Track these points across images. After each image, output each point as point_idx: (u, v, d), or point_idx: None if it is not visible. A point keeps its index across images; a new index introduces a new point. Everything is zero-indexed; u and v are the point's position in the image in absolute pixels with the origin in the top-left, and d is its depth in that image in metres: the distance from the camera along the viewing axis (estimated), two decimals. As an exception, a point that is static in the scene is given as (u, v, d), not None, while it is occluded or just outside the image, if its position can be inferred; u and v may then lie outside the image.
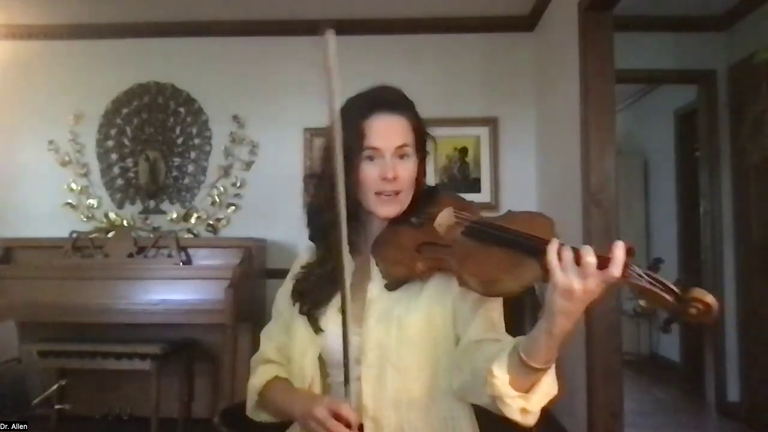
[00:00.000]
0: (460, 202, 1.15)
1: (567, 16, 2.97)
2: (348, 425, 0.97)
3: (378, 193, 1.12)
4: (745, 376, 3.60)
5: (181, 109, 3.88)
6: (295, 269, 1.24)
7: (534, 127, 3.77)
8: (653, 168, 5.41)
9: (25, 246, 3.59)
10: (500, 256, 0.93)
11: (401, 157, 1.13)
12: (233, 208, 3.83)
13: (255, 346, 1.27)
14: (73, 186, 3.86)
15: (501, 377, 0.89)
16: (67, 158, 3.87)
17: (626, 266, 0.79)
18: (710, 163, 3.80)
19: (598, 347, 2.63)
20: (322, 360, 1.15)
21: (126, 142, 3.90)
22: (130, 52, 3.89)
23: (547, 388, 0.90)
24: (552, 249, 0.83)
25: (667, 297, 0.77)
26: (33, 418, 2.48)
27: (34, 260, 3.52)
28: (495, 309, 1.05)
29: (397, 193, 1.12)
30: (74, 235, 3.47)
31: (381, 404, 1.06)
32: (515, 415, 0.91)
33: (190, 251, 3.50)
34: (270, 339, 1.24)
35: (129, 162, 3.89)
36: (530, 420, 0.92)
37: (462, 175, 3.78)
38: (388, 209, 1.13)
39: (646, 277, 0.78)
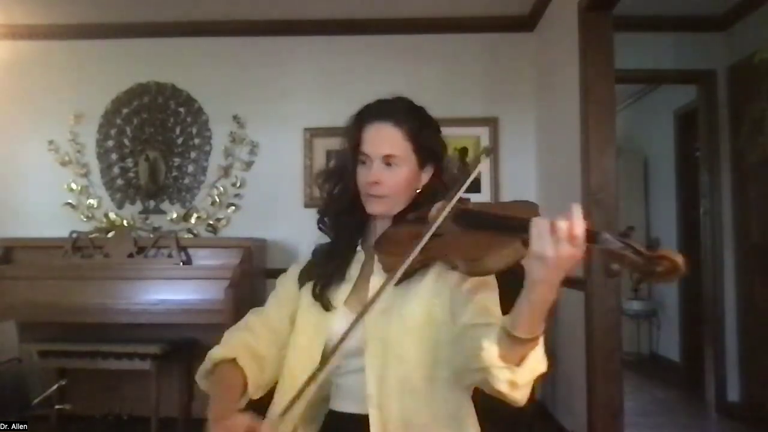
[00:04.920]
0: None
1: (567, 16, 2.97)
2: None
3: (367, 194, 1.21)
4: (745, 376, 3.60)
5: (181, 109, 3.88)
6: (296, 269, 1.30)
7: (534, 127, 3.77)
8: (653, 168, 5.41)
9: (25, 246, 3.59)
10: (485, 238, 0.99)
11: (388, 164, 1.19)
12: (233, 208, 3.83)
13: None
14: (73, 186, 3.86)
15: (489, 349, 0.93)
16: (67, 158, 3.88)
17: (595, 232, 0.82)
18: (710, 163, 3.80)
19: (598, 347, 2.62)
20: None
21: (126, 142, 3.90)
22: (130, 52, 3.89)
23: (534, 363, 0.93)
24: (532, 224, 0.87)
25: (636, 258, 0.80)
26: (33, 418, 2.48)
27: (34, 260, 3.52)
28: (488, 298, 1.08)
29: (382, 196, 1.19)
30: (74, 235, 3.48)
31: (385, 393, 1.10)
32: (502, 387, 0.93)
33: (190, 251, 3.50)
34: (257, 314, 1.26)
35: (129, 162, 3.89)
36: (518, 395, 0.95)
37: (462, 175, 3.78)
38: (373, 207, 1.22)
39: (617, 242, 0.82)
